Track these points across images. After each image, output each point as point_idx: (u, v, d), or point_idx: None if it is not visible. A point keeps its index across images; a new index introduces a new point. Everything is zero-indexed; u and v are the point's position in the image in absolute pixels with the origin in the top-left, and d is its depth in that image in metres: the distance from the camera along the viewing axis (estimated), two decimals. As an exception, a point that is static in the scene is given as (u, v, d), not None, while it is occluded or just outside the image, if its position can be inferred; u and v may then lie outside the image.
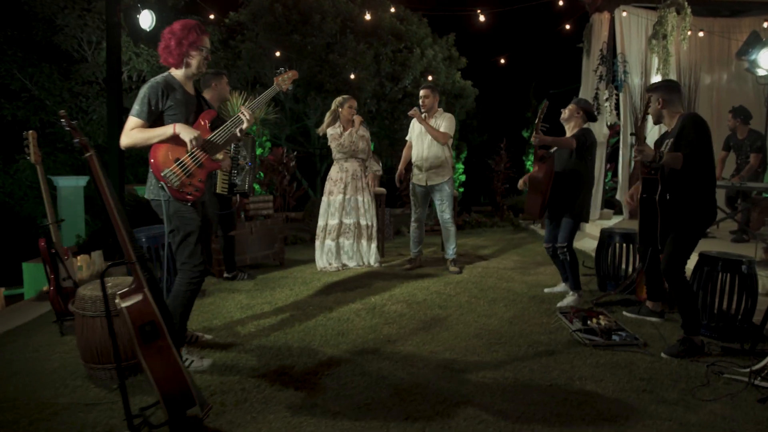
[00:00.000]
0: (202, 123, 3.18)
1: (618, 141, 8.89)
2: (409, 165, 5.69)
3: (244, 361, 3.17)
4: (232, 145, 4.59)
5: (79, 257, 5.26)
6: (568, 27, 8.67)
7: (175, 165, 2.96)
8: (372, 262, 5.65)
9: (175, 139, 2.95)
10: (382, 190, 6.43)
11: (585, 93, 8.12)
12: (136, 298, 2.23)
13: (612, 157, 9.54)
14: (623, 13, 7.82)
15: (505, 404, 2.63)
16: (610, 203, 9.37)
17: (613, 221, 8.01)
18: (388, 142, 11.82)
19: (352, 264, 5.59)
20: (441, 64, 11.73)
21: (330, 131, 5.54)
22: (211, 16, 9.94)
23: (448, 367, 3.06)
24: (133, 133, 2.87)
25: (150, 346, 2.21)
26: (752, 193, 6.24)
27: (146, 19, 8.72)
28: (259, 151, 8.88)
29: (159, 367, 2.21)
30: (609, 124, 8.03)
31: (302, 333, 3.61)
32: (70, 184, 7.93)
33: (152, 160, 2.92)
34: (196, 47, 3.02)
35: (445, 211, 5.44)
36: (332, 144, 5.53)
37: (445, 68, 11.82)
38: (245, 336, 3.58)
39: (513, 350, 3.33)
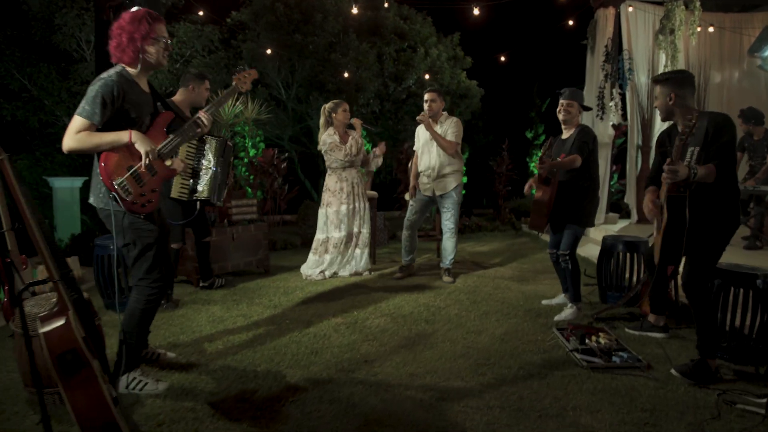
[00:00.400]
0: (159, 127, 2.89)
1: (625, 142, 8.56)
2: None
3: (204, 383, 2.87)
4: (195, 150, 4.30)
5: (52, 264, 4.98)
6: (571, 23, 8.32)
7: (128, 174, 2.67)
8: (363, 269, 5.35)
9: (129, 146, 2.67)
10: (374, 193, 6.13)
11: (589, 91, 7.78)
12: (57, 323, 1.94)
13: (618, 159, 9.18)
14: (629, 8, 7.48)
15: (487, 440, 2.32)
16: (617, 206, 9.02)
17: (619, 226, 7.66)
18: (392, 143, 11.59)
19: (344, 273, 5.29)
20: (445, 63, 11.48)
21: (328, 139, 5.21)
22: (200, 13, 9.67)
23: (427, 393, 2.75)
24: (80, 136, 2.54)
25: (71, 377, 1.92)
26: (766, 197, 5.89)
27: (136, 17, 8.46)
28: (252, 152, 8.62)
29: (81, 401, 1.92)
30: (615, 123, 7.69)
31: (273, 351, 3.31)
32: (66, 185, 7.83)
33: (102, 164, 2.63)
34: (151, 39, 2.72)
35: (449, 220, 5.13)
36: (334, 153, 5.21)
37: (449, 68, 11.57)
38: (211, 354, 3.28)
39: (502, 373, 3.02)
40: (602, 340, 3.38)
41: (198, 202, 4.45)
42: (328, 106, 5.27)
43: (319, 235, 5.29)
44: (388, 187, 11.37)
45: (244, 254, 5.34)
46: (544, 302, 4.42)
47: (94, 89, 2.60)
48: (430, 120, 4.97)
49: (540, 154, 4.03)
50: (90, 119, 2.56)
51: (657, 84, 3.16)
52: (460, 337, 3.58)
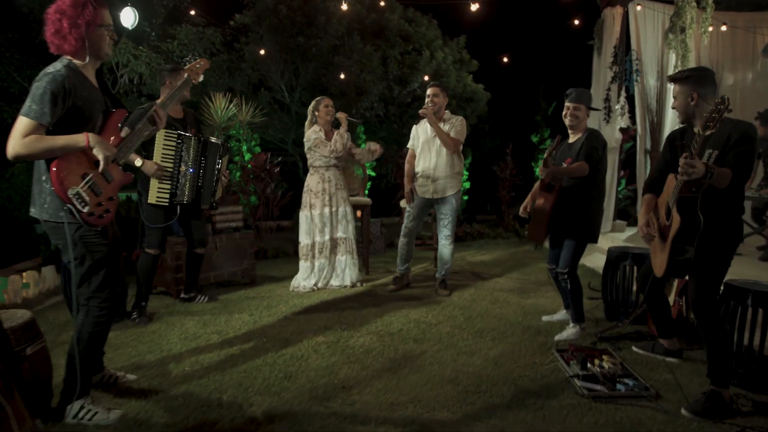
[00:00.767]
0: (113, 127, 2.62)
1: (633, 146, 8.23)
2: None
3: (161, 413, 2.59)
4: (173, 151, 4.03)
5: (25, 273, 4.74)
6: (577, 22, 8.00)
7: (83, 183, 2.40)
8: (353, 280, 5.06)
9: (84, 151, 2.40)
10: (367, 200, 5.84)
11: (596, 94, 7.45)
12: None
13: (626, 164, 8.84)
14: (637, 7, 7.16)
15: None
16: (625, 213, 8.67)
17: (627, 234, 7.32)
18: (396, 147, 11.33)
19: (336, 283, 5.00)
20: (451, 66, 11.25)
21: (313, 135, 4.95)
22: (193, 12, 9.47)
23: (408, 428, 2.45)
24: (29, 140, 2.25)
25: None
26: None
27: (128, 17, 8.25)
28: (248, 156, 8.36)
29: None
30: (625, 126, 7.35)
31: (243, 375, 3.02)
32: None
33: (54, 170, 2.35)
34: (96, 25, 2.43)
35: (446, 227, 4.83)
36: (318, 150, 4.93)
37: (455, 71, 11.33)
38: (175, 377, 3.00)
39: (493, 402, 2.71)
40: (606, 364, 3.06)
41: (179, 207, 4.19)
42: (312, 104, 5.02)
43: (305, 240, 5.00)
44: (388, 192, 11.09)
45: (228, 264, 5.06)
46: (544, 318, 4.11)
47: (41, 85, 2.31)
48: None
49: (544, 156, 3.71)
50: (38, 120, 2.28)
51: (675, 82, 2.85)
52: (450, 359, 3.28)
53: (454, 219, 4.84)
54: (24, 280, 4.65)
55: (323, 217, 4.91)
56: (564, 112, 3.81)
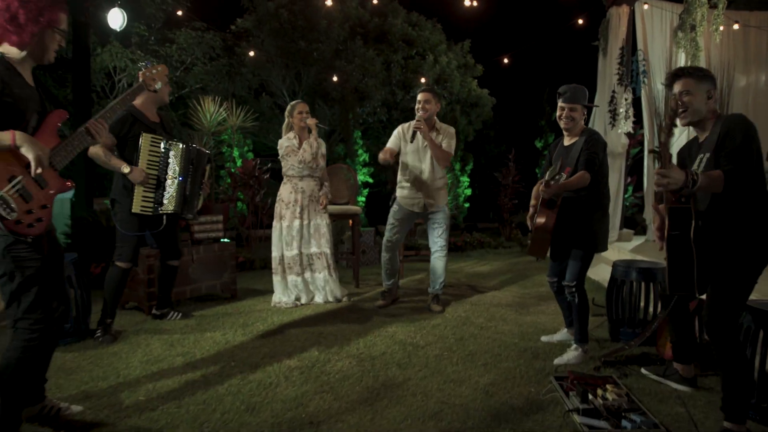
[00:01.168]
0: (50, 129, 2.32)
1: (640, 151, 7.88)
2: (394, 174, 4.70)
3: (99, 455, 2.26)
4: (158, 157, 3.74)
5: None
6: (581, 22, 7.68)
7: (9, 186, 2.10)
8: (336, 296, 4.74)
9: (11, 150, 2.10)
10: (357, 209, 5.52)
11: (601, 97, 7.13)
12: None
13: (633, 170, 8.48)
14: (644, 6, 6.82)
15: None
16: (632, 221, 8.30)
17: (634, 243, 6.96)
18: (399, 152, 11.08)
19: (319, 299, 4.68)
20: (455, 71, 10.99)
21: (285, 142, 4.66)
22: (179, 12, 9.27)
23: (378, 475, 2.12)
24: None
25: None
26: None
27: (116, 18, 8.01)
28: (240, 162, 8.08)
29: None
30: (631, 131, 7.00)
31: (201, 406, 2.69)
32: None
33: (-24, 172, 2.07)
34: (53, 28, 2.24)
35: (441, 236, 4.51)
36: (289, 158, 4.64)
37: (459, 76, 11.07)
38: (126, 409, 2.67)
39: (480, 443, 2.37)
40: (610, 395, 2.72)
41: (164, 217, 3.89)
42: (287, 108, 4.72)
43: (275, 253, 4.69)
44: (388, 199, 10.79)
45: (206, 277, 4.75)
46: (543, 339, 3.76)
47: None
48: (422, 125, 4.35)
49: (546, 178, 3.35)
50: None
51: (692, 78, 2.51)
52: (436, 387, 2.93)
53: (447, 227, 4.52)
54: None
55: (292, 230, 4.59)
56: (558, 114, 3.47)
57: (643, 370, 3.12)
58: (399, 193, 4.58)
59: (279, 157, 4.69)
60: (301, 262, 4.62)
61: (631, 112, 6.63)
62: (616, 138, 6.79)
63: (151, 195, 3.74)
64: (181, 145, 3.85)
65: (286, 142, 4.65)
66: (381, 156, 4.40)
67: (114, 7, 7.81)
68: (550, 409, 2.69)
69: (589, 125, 7.09)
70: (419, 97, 4.40)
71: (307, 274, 4.65)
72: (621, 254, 6.20)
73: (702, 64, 6.21)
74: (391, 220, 4.61)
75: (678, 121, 2.53)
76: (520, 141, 11.80)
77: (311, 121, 4.62)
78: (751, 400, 2.50)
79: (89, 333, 3.76)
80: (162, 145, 3.74)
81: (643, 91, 6.82)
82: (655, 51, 6.86)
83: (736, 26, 6.81)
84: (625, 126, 6.57)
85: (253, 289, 5.22)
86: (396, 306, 4.66)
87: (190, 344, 3.62)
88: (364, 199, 10.06)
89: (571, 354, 3.36)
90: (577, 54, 9.30)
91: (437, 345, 3.61)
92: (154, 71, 2.80)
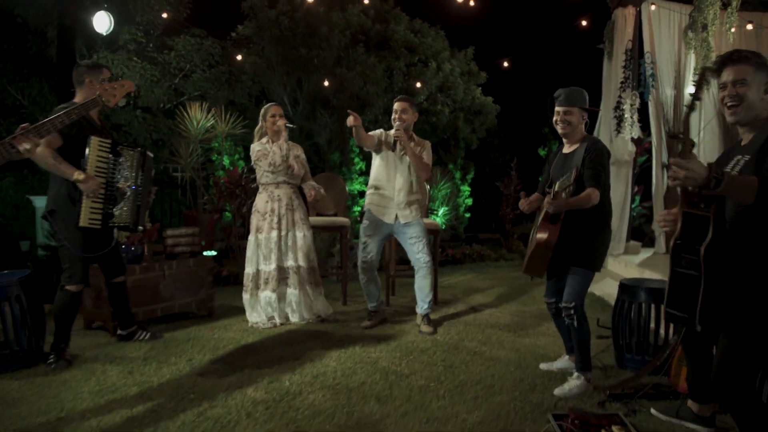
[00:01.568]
0: None
1: (647, 159, 7.51)
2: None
3: None
4: (107, 164, 3.41)
5: None
6: (584, 23, 7.35)
7: None
8: (319, 314, 4.40)
9: None
10: (345, 220, 5.18)
11: (607, 102, 6.77)
12: None
13: (641, 179, 8.11)
14: (651, 7, 6.47)
15: None
16: (639, 233, 7.91)
17: (642, 256, 6.57)
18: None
19: (295, 319, 4.32)
20: (459, 79, 10.73)
21: (257, 147, 4.35)
22: (165, 14, 9.06)
23: None
24: None
25: None
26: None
27: (102, 22, 7.75)
28: (223, 173, 7.77)
29: None
30: (638, 137, 6.65)
31: (144, 451, 2.35)
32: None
33: None
34: None
35: (422, 251, 4.15)
36: (260, 163, 4.32)
37: (463, 83, 10.81)
38: (58, 454, 2.33)
39: (462, 501, 2.01)
40: (616, 440, 2.36)
41: (115, 230, 3.56)
42: (261, 111, 4.42)
43: (248, 269, 4.34)
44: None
45: (180, 294, 4.41)
46: (542, 366, 3.39)
47: None
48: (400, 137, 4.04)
49: (555, 189, 3.02)
50: None
51: (749, 65, 2.09)
52: (417, 427, 2.57)
53: (425, 239, 4.17)
54: None
55: (270, 242, 4.25)
56: (554, 119, 3.14)
57: (653, 411, 2.74)
58: (368, 199, 4.25)
59: (252, 164, 4.37)
60: (278, 276, 4.27)
61: (636, 117, 6.28)
62: (623, 145, 6.43)
63: (100, 206, 3.40)
64: (132, 151, 3.53)
65: (258, 146, 4.35)
66: (351, 120, 3.88)
67: (100, 10, 7.56)
68: (547, 455, 2.33)
69: (595, 132, 6.79)
70: (396, 106, 4.11)
71: (285, 289, 4.31)
72: (628, 268, 5.83)
73: (714, 66, 5.85)
74: (362, 238, 4.26)
75: (727, 117, 2.15)
76: (524, 149, 11.47)
77: (281, 121, 4.31)
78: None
79: (42, 357, 3.43)
80: (112, 150, 3.41)
81: (650, 96, 6.47)
82: (663, 54, 6.51)
83: (749, 26, 6.46)
84: (632, 131, 6.21)
85: (234, 306, 4.86)
86: (384, 327, 4.30)
87: (150, 372, 3.27)
88: (359, 209, 9.72)
89: (573, 383, 3.00)
90: (582, 59, 8.99)
91: (423, 374, 3.24)
92: (116, 86, 2.49)
